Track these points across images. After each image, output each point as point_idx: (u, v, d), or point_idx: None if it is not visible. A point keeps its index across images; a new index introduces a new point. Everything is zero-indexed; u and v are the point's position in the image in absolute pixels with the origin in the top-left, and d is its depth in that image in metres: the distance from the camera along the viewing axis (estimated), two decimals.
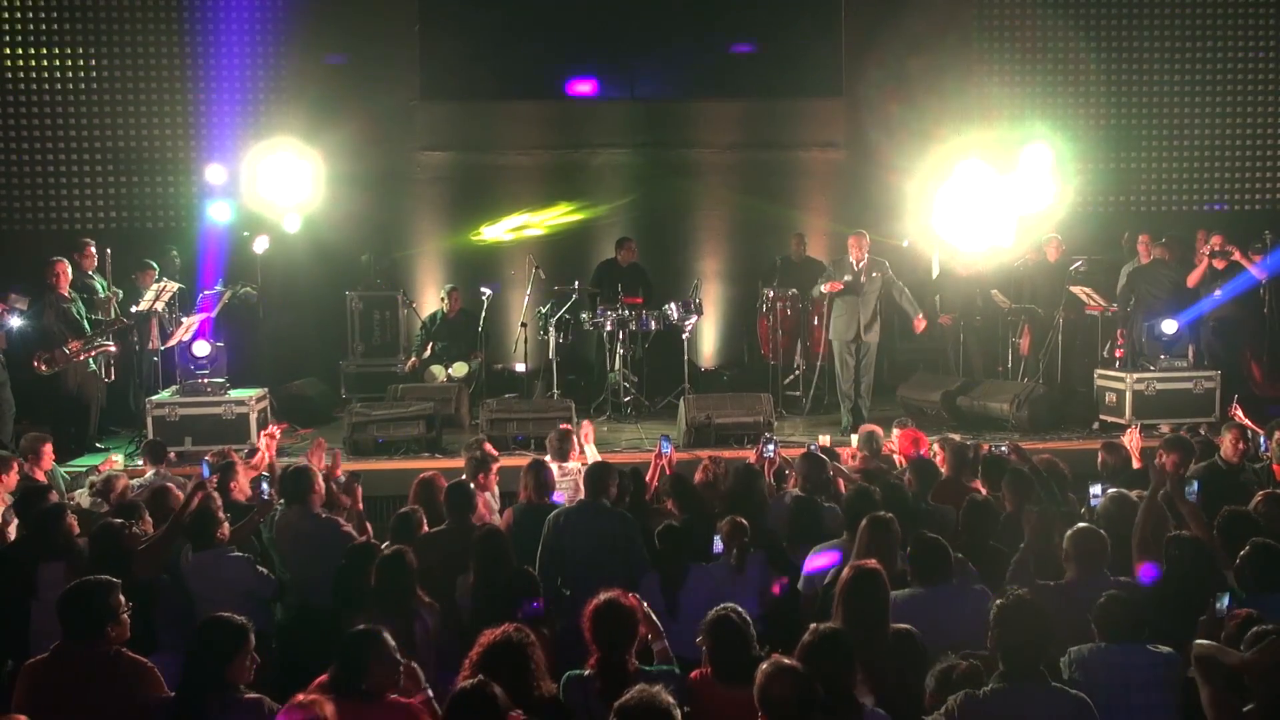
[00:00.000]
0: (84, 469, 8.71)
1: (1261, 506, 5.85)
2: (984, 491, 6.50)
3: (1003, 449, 7.27)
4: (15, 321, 9.55)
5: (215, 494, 5.99)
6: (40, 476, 7.36)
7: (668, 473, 7.07)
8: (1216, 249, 10.61)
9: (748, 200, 13.46)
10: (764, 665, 3.65)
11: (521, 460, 7.53)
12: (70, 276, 9.77)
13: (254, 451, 7.95)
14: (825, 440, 8.14)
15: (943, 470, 7.01)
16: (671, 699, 3.38)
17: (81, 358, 9.57)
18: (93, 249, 10.34)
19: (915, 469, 6.70)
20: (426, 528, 6.09)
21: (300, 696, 3.72)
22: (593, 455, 7.91)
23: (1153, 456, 6.96)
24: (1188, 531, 5.38)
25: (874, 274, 10.43)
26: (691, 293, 11.70)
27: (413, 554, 5.21)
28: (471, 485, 6.54)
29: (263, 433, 8.13)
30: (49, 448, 7.70)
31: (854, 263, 10.42)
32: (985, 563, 5.36)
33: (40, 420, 10.13)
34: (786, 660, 3.65)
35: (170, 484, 6.93)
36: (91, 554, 5.46)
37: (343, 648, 4.06)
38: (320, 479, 6.45)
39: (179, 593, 5.53)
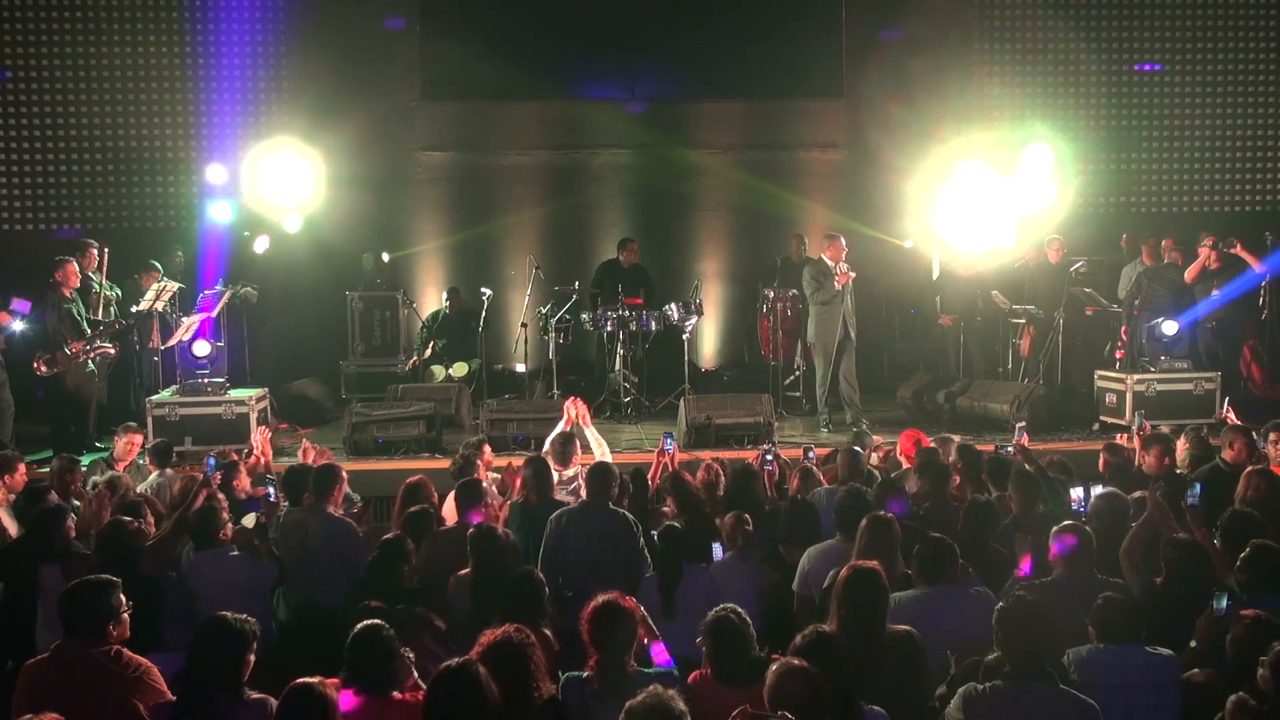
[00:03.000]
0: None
1: (1250, 485, 5.95)
2: (957, 493, 6.53)
3: (1008, 450, 7.28)
4: (17, 326, 9.56)
5: (220, 494, 6.02)
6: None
7: (670, 470, 7.08)
8: (1216, 243, 10.65)
9: (748, 201, 13.46)
10: (775, 666, 3.65)
11: (518, 460, 7.55)
12: (79, 278, 9.77)
13: (251, 452, 7.98)
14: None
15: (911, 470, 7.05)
16: (683, 705, 3.37)
17: (81, 359, 9.57)
18: (94, 250, 10.33)
19: (923, 470, 6.68)
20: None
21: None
22: (594, 437, 7.92)
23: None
24: (1184, 534, 5.37)
25: (852, 274, 10.55)
26: (692, 293, 11.71)
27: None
28: (483, 483, 6.56)
29: (256, 432, 8.15)
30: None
31: (831, 264, 10.48)
32: (985, 564, 5.35)
33: (40, 420, 10.15)
34: (797, 661, 3.65)
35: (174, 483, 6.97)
36: (99, 550, 5.47)
37: (354, 645, 4.04)
38: (345, 483, 6.47)
39: (183, 591, 5.54)
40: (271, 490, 6.10)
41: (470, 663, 3.62)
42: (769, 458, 7.03)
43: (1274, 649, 3.87)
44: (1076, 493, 6.21)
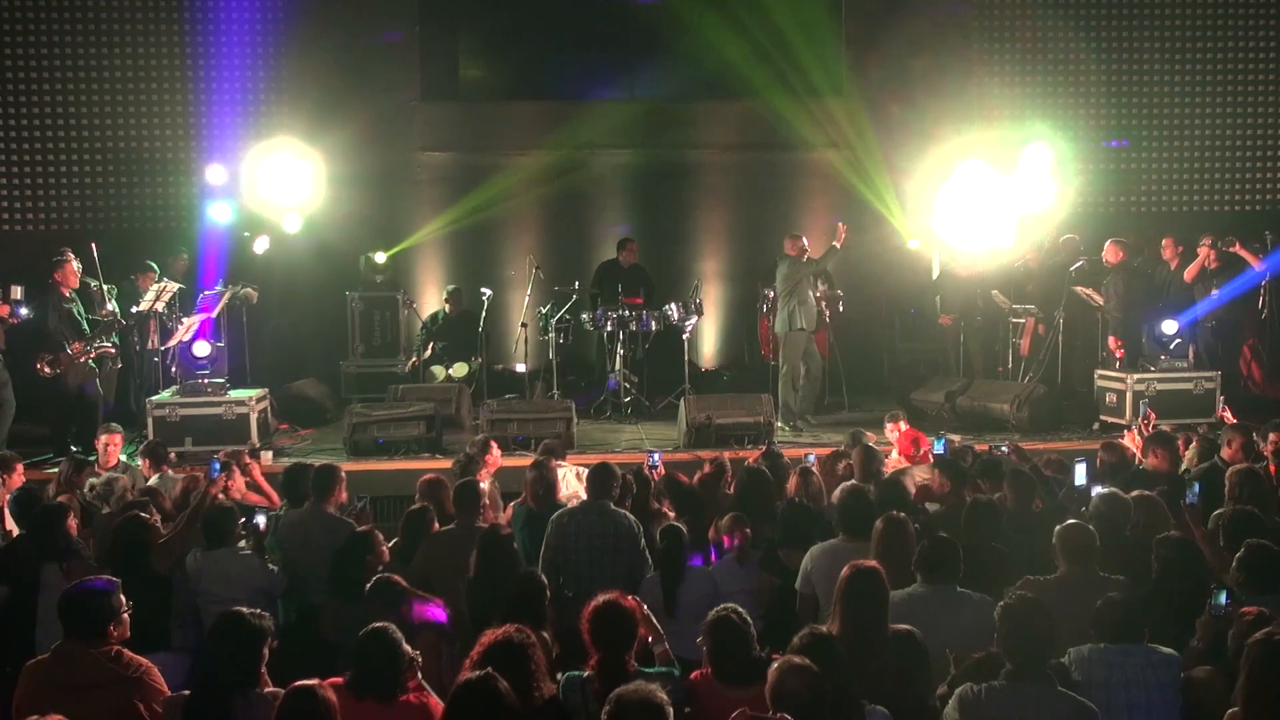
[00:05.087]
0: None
1: (1235, 483, 5.99)
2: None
3: (1003, 449, 7.30)
4: (23, 312, 9.55)
5: (231, 492, 6.03)
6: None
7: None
8: (1215, 242, 10.69)
9: (748, 201, 13.45)
10: (777, 663, 3.65)
11: (522, 461, 7.55)
12: (78, 278, 9.76)
13: (255, 451, 7.96)
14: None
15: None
16: (666, 697, 3.38)
17: (82, 359, 9.56)
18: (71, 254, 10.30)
19: (943, 468, 6.69)
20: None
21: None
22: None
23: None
24: (1177, 533, 5.37)
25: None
26: (692, 293, 11.70)
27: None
28: (481, 484, 6.56)
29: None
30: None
31: (801, 260, 10.78)
32: (987, 564, 5.35)
33: (42, 420, 10.15)
34: (798, 658, 3.66)
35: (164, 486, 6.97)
36: (115, 545, 5.47)
37: (362, 647, 4.04)
38: (344, 483, 6.46)
39: (188, 592, 5.54)
40: (261, 520, 6.04)
41: (491, 676, 3.62)
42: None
43: (1252, 637, 3.87)
44: (1080, 469, 6.35)
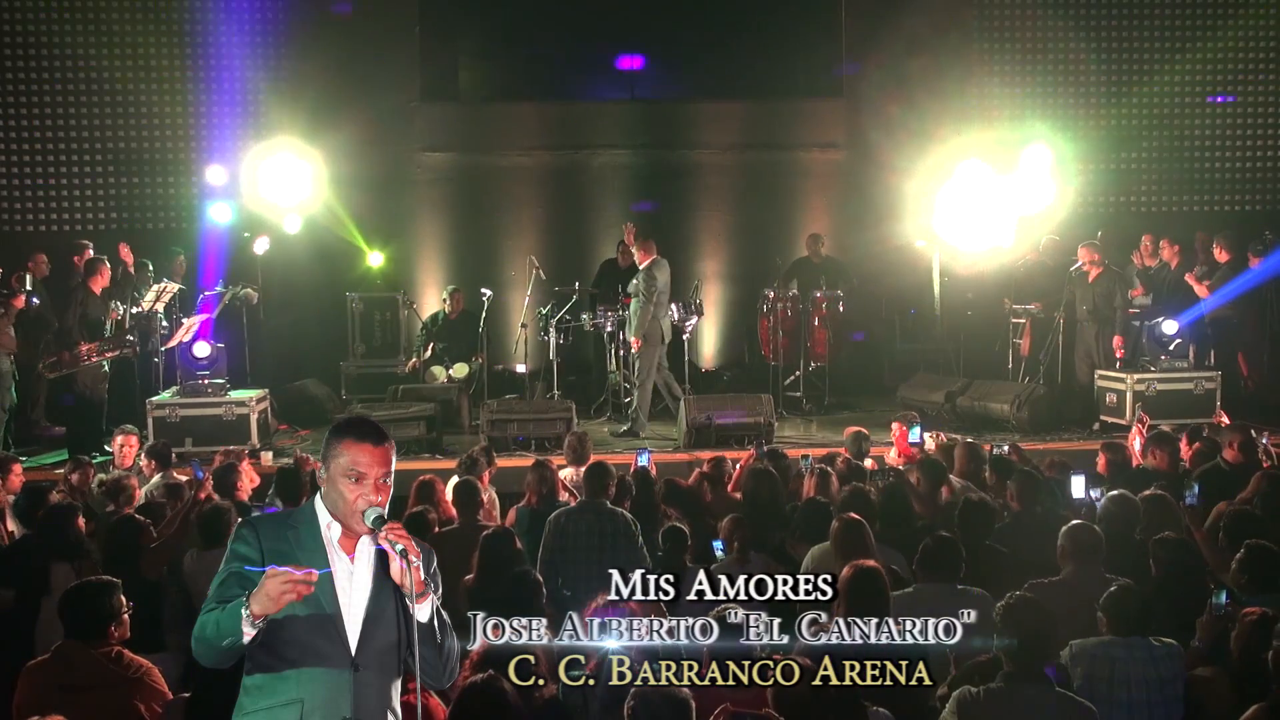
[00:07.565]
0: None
1: (1257, 488, 5.95)
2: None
3: (1004, 449, 7.31)
4: (35, 301, 9.56)
5: (215, 495, 6.01)
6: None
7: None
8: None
9: (748, 201, 13.45)
10: (777, 663, 3.65)
11: (522, 461, 7.56)
12: (108, 278, 9.76)
13: (255, 451, 7.97)
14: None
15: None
16: (689, 692, 3.38)
17: (93, 360, 9.53)
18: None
19: (924, 469, 6.69)
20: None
21: None
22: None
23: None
24: (1173, 534, 5.37)
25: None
26: (692, 294, 11.69)
27: None
28: (477, 482, 6.57)
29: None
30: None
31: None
32: (981, 564, 5.35)
33: (57, 419, 10.18)
34: (799, 658, 3.66)
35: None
36: (106, 548, 5.46)
37: None
38: None
39: (181, 594, 5.53)
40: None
41: (494, 678, 3.63)
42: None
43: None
44: (1078, 481, 6.28)
